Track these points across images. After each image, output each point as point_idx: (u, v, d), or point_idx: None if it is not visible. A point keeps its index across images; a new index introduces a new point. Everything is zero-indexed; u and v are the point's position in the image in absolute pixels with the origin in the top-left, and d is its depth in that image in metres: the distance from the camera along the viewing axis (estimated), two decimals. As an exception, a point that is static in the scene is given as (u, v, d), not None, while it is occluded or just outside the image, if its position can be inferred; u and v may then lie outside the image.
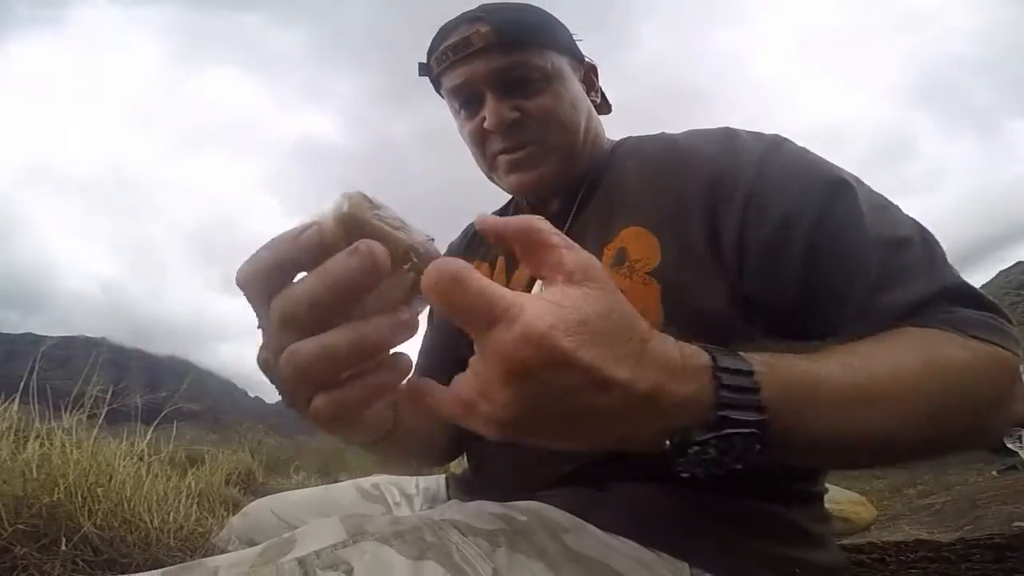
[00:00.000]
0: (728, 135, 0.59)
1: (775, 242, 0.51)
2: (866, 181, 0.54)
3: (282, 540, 0.44)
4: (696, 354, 0.35)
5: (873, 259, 0.48)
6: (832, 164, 0.56)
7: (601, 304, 0.30)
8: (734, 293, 0.53)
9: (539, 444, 0.33)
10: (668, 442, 0.34)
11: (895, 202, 0.53)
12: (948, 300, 0.47)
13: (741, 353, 0.36)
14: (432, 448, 0.70)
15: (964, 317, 0.46)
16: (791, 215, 0.51)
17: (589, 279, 0.31)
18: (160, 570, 0.40)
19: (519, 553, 0.44)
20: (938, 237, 0.52)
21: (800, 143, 0.58)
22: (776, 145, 0.57)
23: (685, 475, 0.35)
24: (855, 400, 0.39)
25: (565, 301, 0.29)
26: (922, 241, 0.50)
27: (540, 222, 0.32)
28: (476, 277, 0.28)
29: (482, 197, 0.79)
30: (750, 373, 0.35)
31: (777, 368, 0.37)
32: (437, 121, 0.79)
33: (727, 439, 0.34)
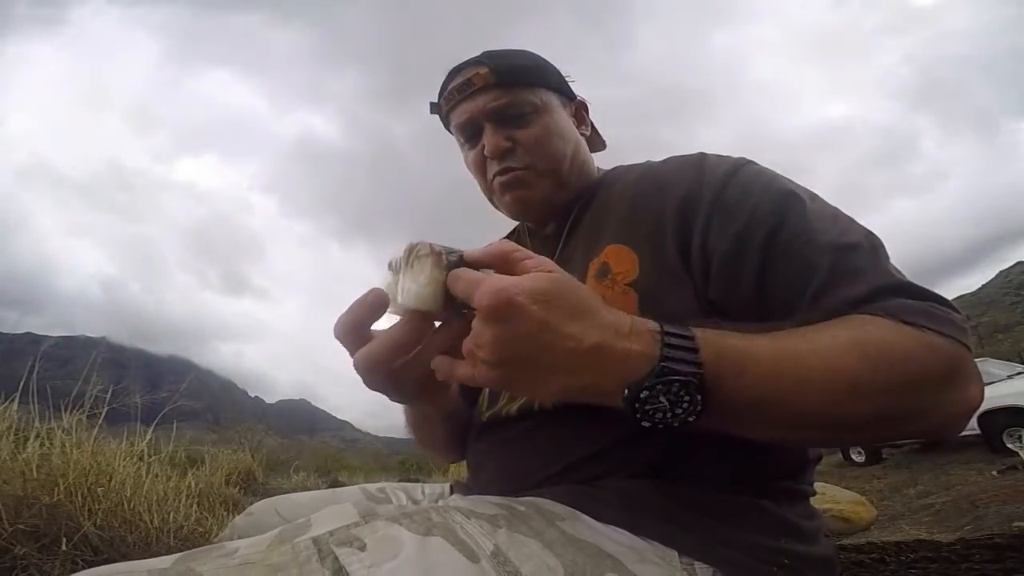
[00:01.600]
0: (698, 161, 0.66)
1: (733, 253, 0.57)
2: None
3: (297, 524, 0.47)
4: (647, 323, 0.44)
5: (823, 263, 0.53)
6: (787, 180, 0.62)
7: (556, 281, 0.42)
8: (700, 299, 0.59)
9: (522, 390, 0.42)
10: (626, 391, 0.41)
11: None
12: (891, 294, 0.51)
13: (688, 326, 0.44)
14: (458, 437, 0.79)
15: (902, 305, 0.49)
16: (746, 228, 0.57)
17: (547, 271, 0.43)
18: (180, 554, 0.41)
19: (518, 533, 0.47)
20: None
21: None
22: (737, 167, 0.63)
23: (646, 424, 0.42)
24: (778, 369, 0.44)
25: (526, 278, 0.42)
26: (870, 247, 0.55)
27: (507, 244, 0.46)
28: (469, 271, 0.44)
29: (482, 198, 0.81)
30: (692, 338, 0.43)
31: (715, 338, 0.45)
32: (437, 122, 0.82)
33: (670, 386, 0.41)
